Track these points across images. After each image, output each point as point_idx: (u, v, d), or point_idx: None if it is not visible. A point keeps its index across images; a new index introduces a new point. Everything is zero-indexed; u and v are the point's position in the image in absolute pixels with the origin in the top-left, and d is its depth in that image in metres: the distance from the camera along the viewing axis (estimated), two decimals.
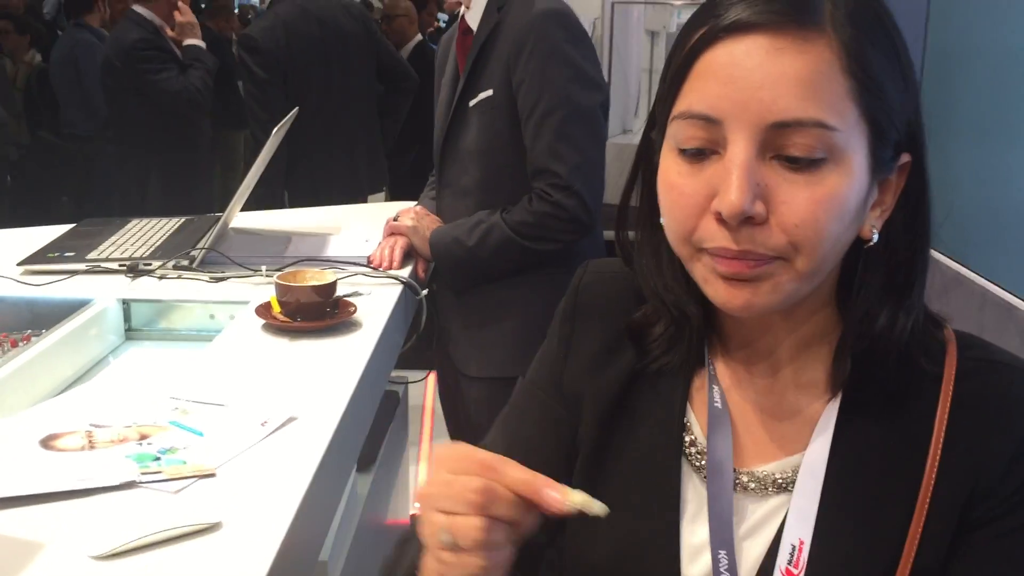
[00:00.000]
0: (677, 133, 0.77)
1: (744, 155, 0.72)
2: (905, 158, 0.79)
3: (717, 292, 0.77)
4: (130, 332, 1.85)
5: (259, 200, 2.88)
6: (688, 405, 0.88)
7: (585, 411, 0.91)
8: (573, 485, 0.92)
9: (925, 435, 0.78)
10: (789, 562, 0.78)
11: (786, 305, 0.79)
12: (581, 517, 0.70)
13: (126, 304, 1.84)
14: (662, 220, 0.82)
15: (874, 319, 0.79)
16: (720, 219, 0.74)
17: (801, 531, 0.79)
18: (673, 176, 0.77)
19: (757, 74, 0.72)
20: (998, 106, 2.06)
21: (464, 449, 0.73)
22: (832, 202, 0.73)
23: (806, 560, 0.78)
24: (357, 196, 3.53)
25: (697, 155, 0.76)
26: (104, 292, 1.82)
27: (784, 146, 0.73)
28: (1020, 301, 1.86)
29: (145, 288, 1.88)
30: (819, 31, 0.72)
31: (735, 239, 0.74)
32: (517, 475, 0.71)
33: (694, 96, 0.75)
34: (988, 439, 0.77)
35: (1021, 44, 1.95)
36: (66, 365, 1.59)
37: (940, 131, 2.28)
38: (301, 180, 3.41)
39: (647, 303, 0.89)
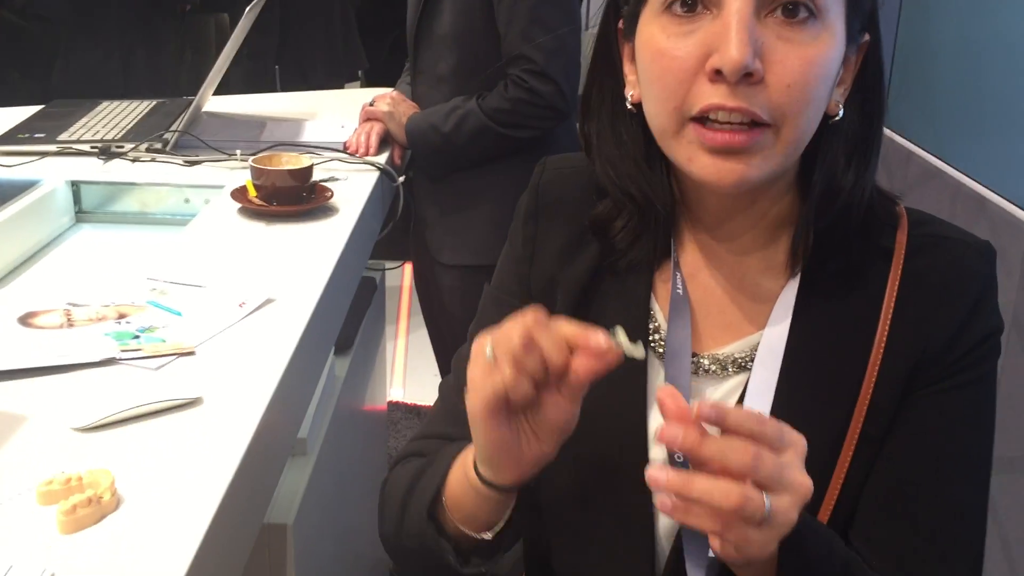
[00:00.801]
0: None
1: (745, 9, 0.72)
2: (864, 37, 0.80)
3: (705, 169, 0.76)
4: (81, 215, 1.81)
5: (249, 76, 2.84)
6: (652, 295, 0.89)
7: (557, 300, 0.92)
8: None
9: (877, 309, 0.81)
10: None
11: (772, 179, 0.79)
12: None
13: (75, 186, 1.79)
14: (638, 96, 0.81)
15: (836, 193, 0.81)
16: (716, 78, 0.73)
17: (760, 404, 0.81)
18: (661, 41, 0.76)
19: None
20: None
21: None
22: (821, 64, 0.74)
23: None
24: (339, 77, 3.51)
25: (690, 7, 0.74)
26: (72, 174, 1.80)
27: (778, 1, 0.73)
28: (992, 193, 1.88)
29: (115, 170, 1.86)
30: None
31: (732, 94, 0.73)
32: (568, 326, 0.72)
33: None
34: (935, 311, 0.80)
35: None
36: (11, 246, 1.56)
37: (921, 22, 2.27)
38: (290, 56, 3.40)
39: (607, 197, 0.88)
